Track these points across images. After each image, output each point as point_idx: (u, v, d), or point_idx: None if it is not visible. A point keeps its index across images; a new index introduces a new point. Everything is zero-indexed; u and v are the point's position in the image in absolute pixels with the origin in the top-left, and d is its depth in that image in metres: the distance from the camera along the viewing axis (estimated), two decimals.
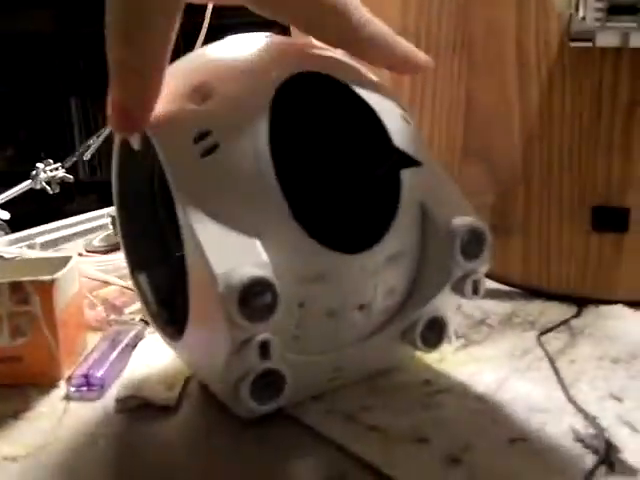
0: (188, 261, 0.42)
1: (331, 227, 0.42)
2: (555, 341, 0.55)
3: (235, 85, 0.44)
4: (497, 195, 0.63)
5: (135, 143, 0.45)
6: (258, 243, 0.40)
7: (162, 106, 0.43)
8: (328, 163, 0.42)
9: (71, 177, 0.75)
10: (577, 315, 0.59)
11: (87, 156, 0.75)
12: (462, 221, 0.45)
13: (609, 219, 0.61)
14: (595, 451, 0.41)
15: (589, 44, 0.59)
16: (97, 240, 0.74)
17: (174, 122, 0.43)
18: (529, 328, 0.57)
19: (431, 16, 0.65)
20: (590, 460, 0.41)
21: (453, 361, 0.52)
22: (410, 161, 0.43)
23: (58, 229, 0.79)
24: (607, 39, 0.58)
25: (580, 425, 0.44)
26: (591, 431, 0.43)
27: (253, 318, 0.39)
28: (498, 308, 0.60)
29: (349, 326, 0.45)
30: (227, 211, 0.41)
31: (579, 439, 0.43)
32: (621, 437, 0.42)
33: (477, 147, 0.64)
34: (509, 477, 0.40)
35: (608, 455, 0.41)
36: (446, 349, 0.54)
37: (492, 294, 0.63)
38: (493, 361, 0.52)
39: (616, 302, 0.60)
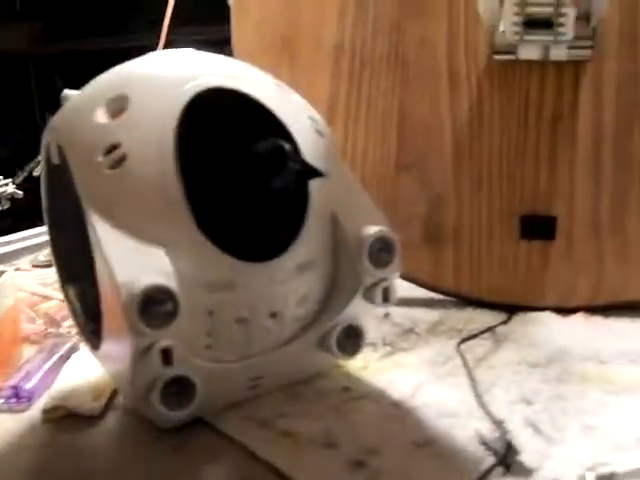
0: (98, 272, 0.43)
1: (237, 237, 0.43)
2: (479, 348, 0.56)
3: (148, 99, 0.45)
4: (429, 206, 0.64)
5: (54, 157, 0.46)
6: (162, 253, 0.41)
7: (76, 119, 0.45)
8: (234, 175, 0.43)
9: (21, 193, 0.77)
10: (505, 322, 0.60)
11: (37, 172, 0.76)
12: (371, 230, 0.46)
13: (537, 227, 0.62)
14: (495, 453, 0.42)
15: (512, 57, 0.60)
16: (42, 255, 0.75)
17: (85, 135, 0.44)
18: (455, 336, 0.58)
19: (366, 32, 0.67)
20: (490, 462, 0.41)
21: (376, 368, 0.53)
22: (315, 172, 0.44)
23: (8, 244, 0.80)
24: (528, 52, 0.60)
25: (486, 429, 0.45)
26: (495, 434, 0.44)
27: (154, 325, 0.40)
28: (427, 316, 0.61)
29: (262, 334, 0.46)
30: (134, 222, 0.42)
31: (482, 442, 0.44)
32: (523, 439, 0.43)
33: (410, 159, 0.65)
34: (409, 479, 0.41)
35: (506, 457, 0.42)
36: (371, 356, 0.55)
37: (423, 303, 0.64)
38: (414, 368, 0.53)
39: (545, 309, 0.62)
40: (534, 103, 0.62)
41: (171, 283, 0.40)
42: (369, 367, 0.54)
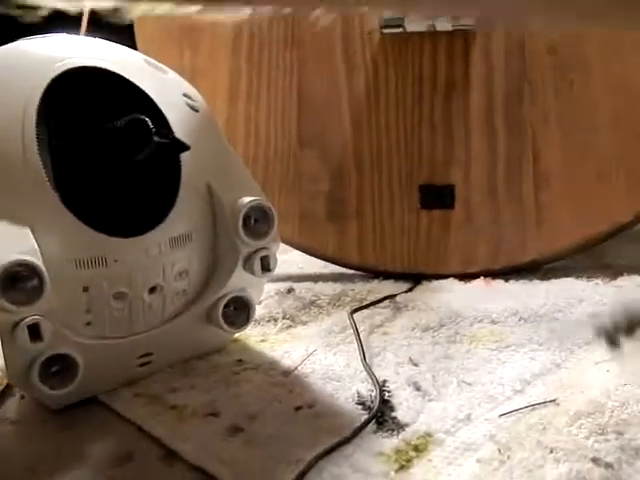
0: None
1: (106, 213, 0.43)
2: (378, 316, 0.57)
3: (11, 79, 0.45)
4: (332, 181, 0.65)
5: None
6: (28, 231, 0.41)
7: None
8: (98, 151, 0.43)
9: None
10: (408, 291, 0.61)
11: None
12: (246, 200, 0.47)
13: (436, 197, 0.63)
14: (369, 411, 0.43)
15: (399, 30, 0.61)
16: None
17: None
18: (357, 306, 0.59)
19: (263, 15, 0.67)
20: (364, 419, 0.42)
21: (273, 341, 0.54)
22: (182, 146, 0.44)
23: None
24: (415, 25, 0.61)
25: (365, 389, 0.45)
26: (373, 394, 0.44)
27: (19, 301, 0.40)
28: (331, 290, 0.61)
29: (143, 309, 0.46)
30: None
31: (360, 402, 0.44)
32: (402, 397, 0.44)
33: (311, 135, 0.65)
34: (283, 440, 0.41)
35: (382, 413, 0.42)
36: (270, 330, 0.56)
37: (329, 277, 0.64)
38: (309, 338, 0.54)
39: (448, 276, 0.62)
40: (427, 75, 0.63)
41: (35, 259, 0.40)
42: (267, 340, 0.54)
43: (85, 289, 0.44)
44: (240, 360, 0.51)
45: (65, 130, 0.44)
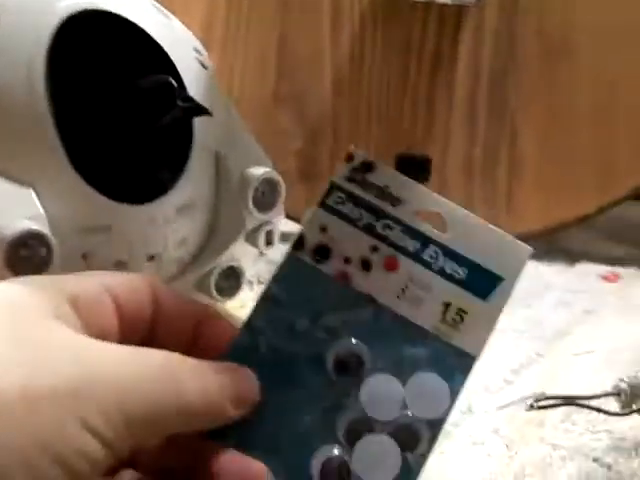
0: None
1: (115, 177, 0.40)
2: None
3: (15, 18, 0.40)
4: (306, 141, 0.64)
5: None
6: (32, 193, 0.38)
7: None
8: (112, 109, 0.40)
9: None
10: None
11: None
12: (256, 171, 0.45)
13: (412, 168, 0.63)
14: None
15: None
16: None
17: None
18: None
19: None
20: None
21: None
22: (201, 110, 0.41)
23: None
24: None
25: None
26: None
27: (25, 274, 0.37)
28: None
29: None
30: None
31: None
32: None
33: (288, 93, 0.63)
34: None
35: None
36: (247, 295, 0.54)
37: None
38: None
39: None
40: (416, 43, 0.62)
41: (44, 227, 0.37)
42: (246, 306, 0.53)
43: (84, 256, 0.41)
44: None
45: (74, 81, 0.40)
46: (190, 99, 0.41)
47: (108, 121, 0.39)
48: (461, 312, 0.34)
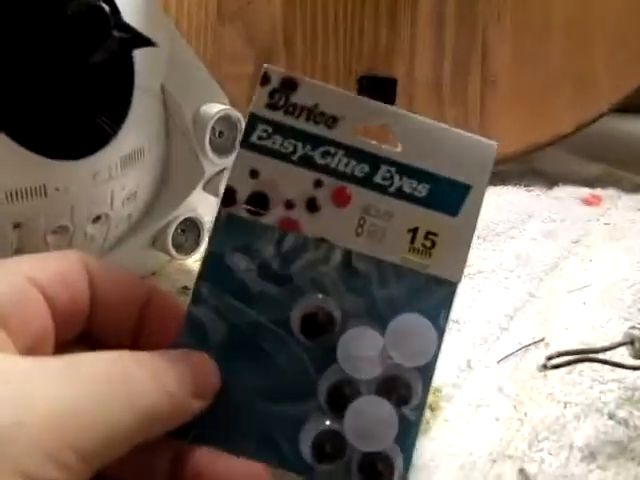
0: None
1: (45, 129, 0.33)
2: None
3: None
4: (257, 63, 0.56)
5: None
6: None
7: None
8: (38, 47, 0.32)
9: None
10: None
11: None
12: (211, 109, 0.38)
13: (376, 89, 0.57)
14: None
15: None
16: None
17: None
18: None
19: None
20: None
21: None
22: (142, 40, 0.34)
23: None
24: None
25: None
26: None
27: None
28: None
29: (84, 242, 0.38)
30: None
31: None
32: None
33: (234, 9, 0.56)
34: None
35: None
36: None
37: None
38: None
39: None
40: None
41: None
42: None
43: (16, 225, 0.34)
44: (185, 287, 0.44)
45: None
46: (127, 27, 0.34)
47: (30, 60, 0.32)
48: (431, 235, 0.30)
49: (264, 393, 0.29)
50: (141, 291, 0.31)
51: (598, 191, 0.57)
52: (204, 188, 0.41)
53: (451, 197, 0.30)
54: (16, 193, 0.33)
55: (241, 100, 0.56)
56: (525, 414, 0.36)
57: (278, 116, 0.29)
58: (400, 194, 0.30)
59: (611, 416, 0.35)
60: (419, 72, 0.56)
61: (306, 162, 0.29)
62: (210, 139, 0.39)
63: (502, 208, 0.53)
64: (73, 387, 0.23)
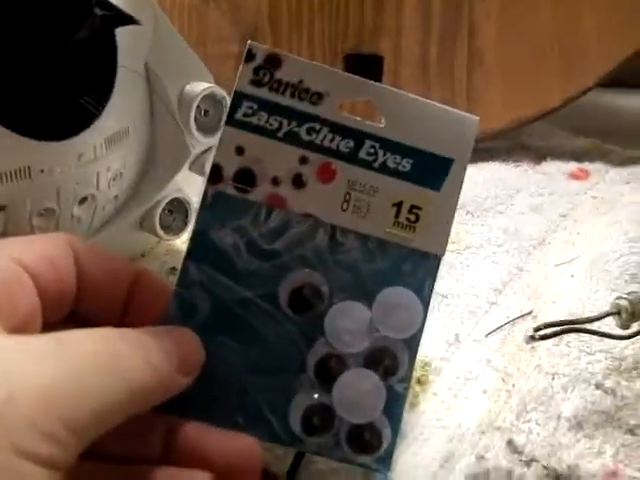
0: None
1: (27, 110, 0.33)
2: None
3: None
4: (242, 42, 0.56)
5: None
6: None
7: None
8: (19, 26, 0.32)
9: None
10: None
11: None
12: (196, 87, 0.38)
13: (363, 68, 0.57)
14: None
15: None
16: None
17: None
18: None
19: None
20: None
21: None
22: (124, 18, 0.34)
23: None
24: None
25: None
26: None
27: None
28: None
29: (71, 224, 0.38)
30: None
31: None
32: None
33: None
34: None
35: None
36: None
37: None
38: None
39: None
40: None
41: None
42: None
43: (1, 208, 0.34)
44: (173, 268, 0.44)
45: None
46: (109, 5, 0.34)
47: (9, 38, 0.32)
48: (415, 209, 0.31)
49: (253, 368, 0.29)
50: (128, 271, 0.31)
51: (586, 165, 0.57)
52: (190, 167, 0.41)
53: (434, 171, 0.31)
54: (2, 174, 0.33)
55: (227, 80, 0.56)
56: (513, 385, 0.36)
57: (263, 93, 0.29)
58: (384, 169, 0.30)
59: (598, 386, 0.36)
60: (406, 50, 0.56)
61: (291, 138, 0.29)
62: (195, 118, 0.39)
63: (490, 183, 0.53)
64: (60, 363, 0.23)
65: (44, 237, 0.29)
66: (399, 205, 0.30)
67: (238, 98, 0.29)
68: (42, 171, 0.34)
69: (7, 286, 0.26)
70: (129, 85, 0.37)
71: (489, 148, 0.59)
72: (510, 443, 0.33)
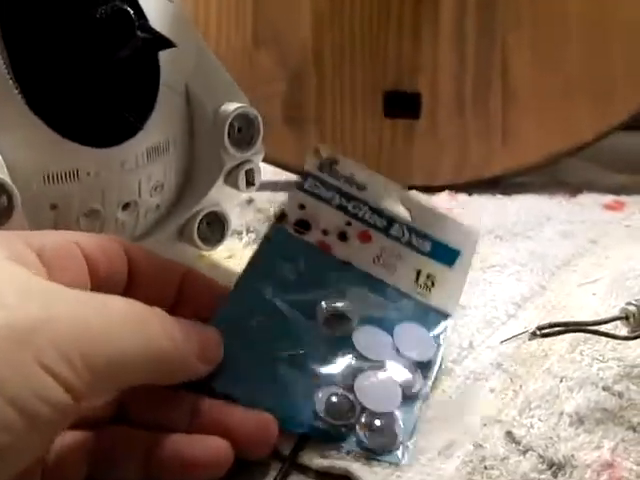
0: None
1: (79, 118, 0.38)
2: None
3: None
4: (289, 83, 0.60)
5: None
6: None
7: None
8: (72, 45, 0.37)
9: None
10: None
11: None
12: (230, 106, 0.42)
13: (401, 104, 0.60)
14: None
15: None
16: None
17: None
18: None
19: None
20: None
21: (242, 257, 0.50)
22: (165, 42, 0.39)
23: None
24: None
25: None
26: None
27: None
28: None
29: (115, 227, 0.42)
30: None
31: None
32: None
33: (267, 34, 0.60)
34: None
35: None
36: (236, 245, 0.52)
37: (287, 186, 0.61)
38: None
39: (411, 188, 0.60)
40: None
41: (2, 174, 0.35)
42: (235, 256, 0.51)
43: (53, 207, 0.39)
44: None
45: (24, 13, 0.37)
46: (150, 29, 0.38)
47: (63, 56, 0.37)
48: (431, 277, 0.40)
49: (288, 361, 0.34)
50: (178, 267, 0.35)
51: (622, 197, 0.58)
52: (225, 181, 0.44)
53: (447, 255, 0.41)
54: (52, 176, 0.37)
55: (275, 115, 0.61)
56: (520, 386, 0.37)
57: (325, 177, 0.41)
58: (409, 245, 0.41)
59: (606, 388, 0.36)
60: (442, 86, 0.59)
61: (341, 208, 0.41)
62: (229, 134, 0.42)
63: (521, 211, 0.55)
64: (95, 310, 0.27)
65: (100, 234, 0.34)
66: (419, 272, 0.40)
67: (306, 176, 0.41)
68: (89, 174, 0.38)
69: (62, 258, 0.30)
70: (170, 102, 0.41)
71: (524, 183, 0.61)
72: (509, 434, 0.34)
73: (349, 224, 0.40)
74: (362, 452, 0.32)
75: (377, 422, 0.33)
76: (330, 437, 0.33)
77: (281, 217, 0.39)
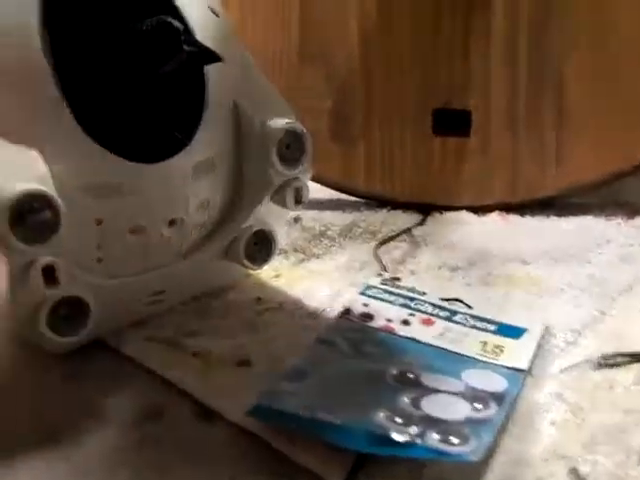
0: None
1: (125, 134, 0.37)
2: (396, 251, 0.53)
3: None
4: (337, 100, 0.59)
5: None
6: (36, 154, 0.35)
7: None
8: (117, 60, 0.36)
9: None
10: (421, 223, 0.57)
11: None
12: (278, 122, 0.41)
13: (451, 123, 0.58)
14: None
15: None
16: None
17: None
18: (370, 239, 0.54)
19: None
20: None
21: (289, 276, 0.49)
22: (212, 56, 0.38)
23: None
24: None
25: None
26: None
27: (31, 239, 0.34)
28: (339, 219, 0.57)
29: (161, 244, 0.41)
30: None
31: None
32: None
33: (314, 50, 0.59)
34: None
35: None
36: (282, 264, 0.51)
37: (334, 205, 0.60)
38: (329, 275, 0.49)
39: (460, 208, 0.59)
40: None
41: (48, 188, 0.34)
42: (282, 276, 0.49)
43: (99, 222, 0.38)
44: (259, 298, 0.46)
45: (72, 28, 0.36)
46: (196, 43, 0.37)
47: (109, 70, 0.36)
48: (499, 347, 0.40)
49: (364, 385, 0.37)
50: None
51: None
52: (272, 199, 0.43)
53: (513, 332, 0.42)
54: (98, 190, 0.37)
55: (322, 132, 0.59)
56: (583, 419, 0.35)
57: (389, 287, 0.46)
58: (474, 327, 0.42)
59: None
60: (493, 105, 0.57)
61: (404, 306, 0.44)
62: (278, 151, 0.41)
63: (579, 233, 0.53)
64: None
65: None
66: (485, 343, 0.41)
67: (370, 286, 0.46)
68: (134, 189, 0.38)
69: None
70: (217, 118, 0.40)
71: (581, 203, 0.59)
72: (574, 471, 0.32)
73: (412, 314, 0.43)
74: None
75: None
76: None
77: (345, 312, 0.43)
